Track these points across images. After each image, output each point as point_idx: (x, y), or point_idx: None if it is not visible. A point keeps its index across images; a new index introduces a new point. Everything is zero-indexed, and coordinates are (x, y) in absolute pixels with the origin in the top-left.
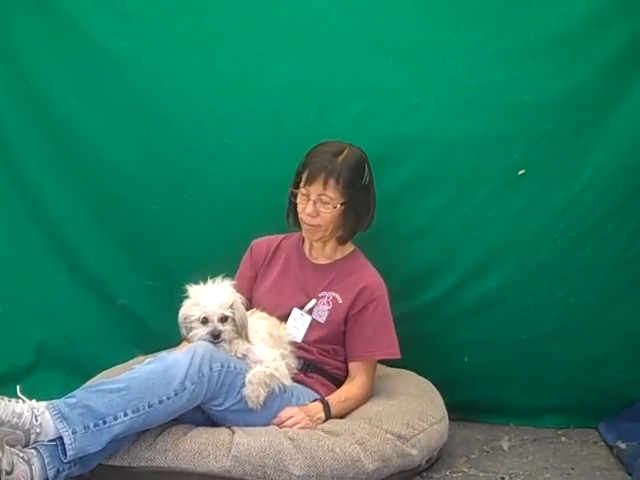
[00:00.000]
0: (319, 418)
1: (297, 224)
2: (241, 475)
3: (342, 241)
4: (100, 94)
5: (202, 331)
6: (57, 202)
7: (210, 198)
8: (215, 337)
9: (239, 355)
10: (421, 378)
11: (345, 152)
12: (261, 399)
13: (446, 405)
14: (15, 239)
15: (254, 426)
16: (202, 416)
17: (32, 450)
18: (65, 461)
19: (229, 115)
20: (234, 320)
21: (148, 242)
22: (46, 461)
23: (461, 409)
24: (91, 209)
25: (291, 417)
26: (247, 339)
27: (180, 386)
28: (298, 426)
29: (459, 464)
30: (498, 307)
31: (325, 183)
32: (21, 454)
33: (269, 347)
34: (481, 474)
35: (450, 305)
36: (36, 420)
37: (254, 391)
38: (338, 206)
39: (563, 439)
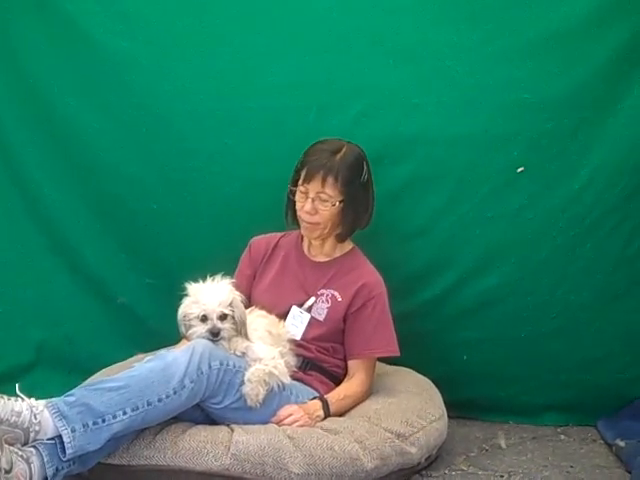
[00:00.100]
0: (318, 416)
1: (296, 222)
2: (240, 473)
3: (341, 239)
4: (100, 94)
5: (201, 329)
6: (57, 202)
7: (210, 198)
8: (214, 335)
9: (238, 353)
10: (420, 376)
11: (343, 150)
12: (260, 397)
13: (445, 403)
14: (15, 239)
15: (253, 424)
16: (201, 414)
17: (31, 448)
18: (64, 459)
19: (229, 115)
20: (233, 318)
21: (148, 242)
22: (45, 459)
23: (460, 407)
24: (91, 209)
25: (290, 415)
26: (246, 337)
27: (179, 384)
28: (297, 424)
29: (458, 462)
30: (498, 305)
31: (324, 181)
32: (20, 452)
33: (268, 345)
34: (480, 472)
35: (450, 303)
36: (35, 418)
37: (253, 389)
38: (337, 204)
39: (562, 437)
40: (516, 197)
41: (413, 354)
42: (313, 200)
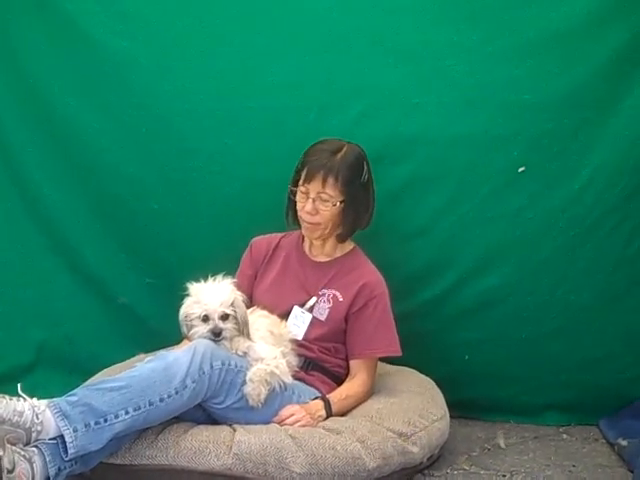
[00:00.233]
0: (320, 416)
1: (296, 222)
2: (242, 473)
3: (342, 239)
4: (100, 94)
5: (203, 329)
6: (57, 202)
7: (210, 198)
8: (216, 335)
9: (240, 353)
10: (422, 376)
11: (344, 150)
12: (262, 397)
13: (447, 403)
14: (15, 239)
15: (255, 424)
16: (203, 414)
17: (33, 448)
18: (66, 459)
19: (229, 115)
20: (235, 318)
21: (148, 242)
22: (47, 459)
23: (462, 407)
24: (91, 209)
25: (292, 415)
26: (248, 337)
27: (181, 384)
28: (299, 424)
29: (460, 462)
30: (498, 306)
31: (324, 181)
32: (22, 452)
33: (270, 345)
34: (482, 472)
35: (450, 304)
36: (37, 418)
37: (255, 389)
38: (337, 204)
39: (564, 436)
40: (516, 197)
41: (414, 354)
42: (314, 200)
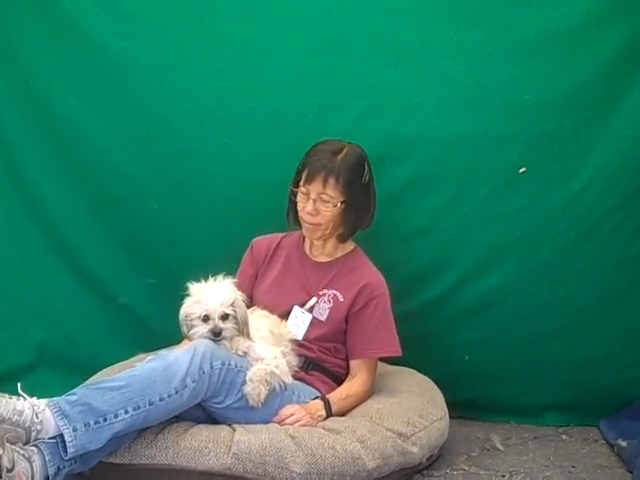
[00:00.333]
0: (320, 416)
1: (297, 223)
2: (242, 473)
3: (342, 239)
4: (100, 94)
5: (203, 329)
6: (57, 202)
7: (210, 198)
8: (216, 335)
9: (240, 353)
10: (422, 376)
11: (345, 150)
12: (262, 397)
13: (447, 403)
14: (15, 239)
15: (255, 424)
16: (203, 414)
17: (33, 447)
18: (66, 458)
19: (229, 115)
20: (235, 318)
21: (148, 242)
22: (47, 458)
23: (462, 407)
24: (91, 209)
25: (292, 415)
26: (248, 337)
27: (181, 384)
28: (299, 424)
29: (460, 462)
30: (498, 306)
31: (325, 182)
32: (22, 451)
33: (270, 345)
34: (482, 472)
35: (450, 304)
36: (37, 417)
37: (255, 389)
38: (338, 205)
39: (564, 437)
40: (516, 197)
41: (414, 354)
42: (314, 201)
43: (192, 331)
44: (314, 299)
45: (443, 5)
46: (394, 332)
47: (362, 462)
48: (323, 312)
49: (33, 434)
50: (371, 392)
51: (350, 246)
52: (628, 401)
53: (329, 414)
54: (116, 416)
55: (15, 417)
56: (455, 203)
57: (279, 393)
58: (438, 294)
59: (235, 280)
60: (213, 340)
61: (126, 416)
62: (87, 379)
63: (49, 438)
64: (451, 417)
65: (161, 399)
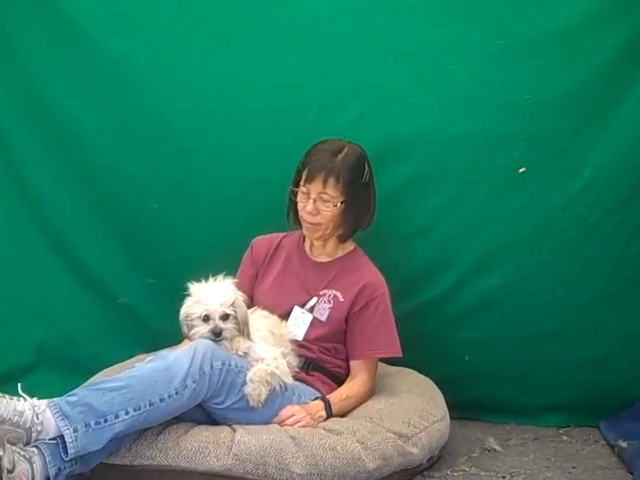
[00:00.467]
0: (320, 416)
1: (297, 222)
2: (242, 474)
3: (343, 239)
4: (100, 94)
5: (203, 329)
6: (57, 202)
7: (210, 198)
8: (216, 335)
9: (240, 353)
10: (422, 376)
11: (345, 150)
12: (262, 397)
13: (447, 404)
14: (15, 239)
15: (255, 424)
16: (203, 414)
17: (33, 448)
18: (66, 459)
19: (229, 115)
20: (235, 318)
21: (148, 242)
22: (47, 459)
23: (462, 408)
24: (91, 209)
25: (292, 415)
26: (248, 337)
27: (181, 384)
28: (299, 424)
29: (460, 463)
30: (498, 306)
31: (325, 182)
32: (22, 452)
33: (270, 345)
34: (482, 473)
35: (451, 304)
36: (37, 418)
37: (255, 389)
38: (338, 204)
39: (564, 438)
40: (517, 197)
41: (415, 354)
42: (315, 201)
43: (192, 331)
44: (314, 299)
45: (443, 5)
46: (394, 332)
47: (362, 463)
48: (323, 312)
49: (34, 435)
50: (371, 393)
51: (350, 246)
52: (629, 402)
53: (329, 415)
54: (116, 417)
55: (15, 418)
56: (455, 203)
57: (279, 394)
58: (438, 294)
59: (235, 280)
60: (213, 340)
61: (126, 417)
62: (87, 379)
63: (50, 439)
64: (451, 418)
65: (161, 400)
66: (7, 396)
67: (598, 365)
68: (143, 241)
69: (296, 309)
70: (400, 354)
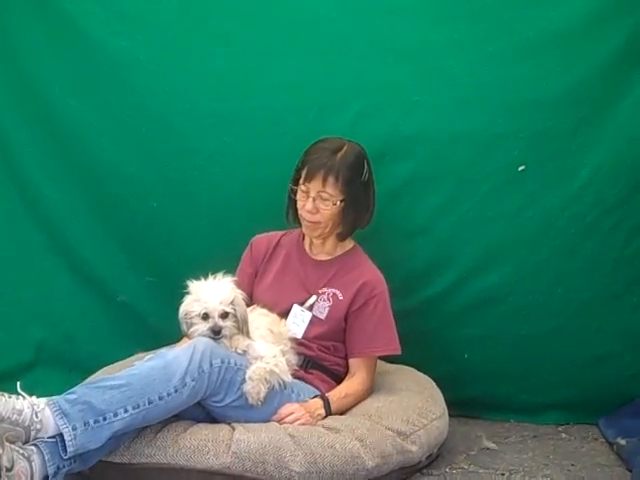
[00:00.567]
0: (319, 414)
1: (297, 221)
2: (241, 471)
3: (342, 237)
4: (100, 94)
5: (203, 327)
6: (57, 202)
7: (210, 197)
8: (216, 333)
9: (239, 351)
10: (421, 374)
11: (344, 149)
12: (261, 395)
13: (446, 401)
14: (15, 238)
15: (254, 422)
16: (202, 412)
17: (32, 447)
18: (65, 458)
19: (229, 114)
20: (235, 316)
21: (148, 242)
22: (46, 458)
23: (461, 405)
24: (91, 208)
25: (291, 413)
26: (247, 335)
27: (180, 382)
28: (298, 422)
29: (459, 460)
30: (498, 304)
31: (324, 180)
32: (21, 451)
33: (269, 343)
34: (481, 470)
35: (450, 302)
36: (36, 416)
37: (254, 387)
38: (338, 203)
39: (563, 435)
40: (516, 196)
41: (414, 352)
42: (314, 199)
43: (192, 329)
44: (314, 297)
45: (443, 5)
46: (394, 330)
47: (361, 461)
48: (323, 310)
49: (32, 433)
50: (370, 391)
51: (349, 244)
52: (628, 399)
53: (328, 413)
54: (116, 415)
55: (14, 416)
56: (455, 201)
57: (278, 392)
58: (438, 292)
59: (235, 278)
60: (213, 338)
61: (126, 415)
62: (87, 377)
63: (48, 437)
64: (451, 415)
65: (160, 398)
66: (6, 394)
67: (597, 363)
68: (143, 241)
69: (295, 307)
70: (399, 352)
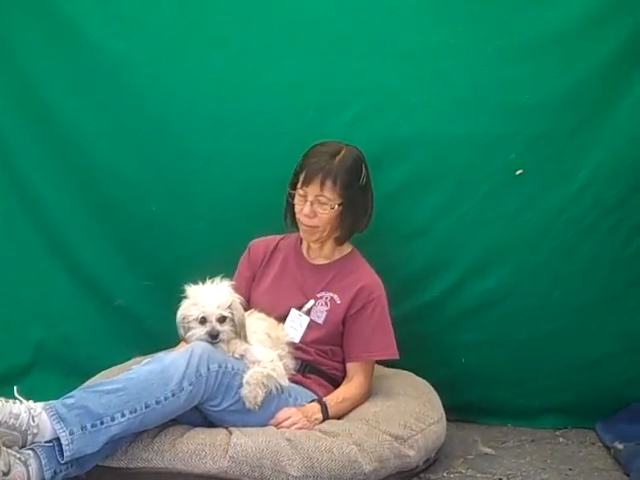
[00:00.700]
0: (316, 419)
1: (295, 225)
2: (238, 476)
3: (340, 242)
4: (98, 96)
5: (200, 331)
6: (55, 203)
7: (208, 199)
8: (213, 337)
9: (237, 355)
10: (419, 379)
11: (342, 153)
12: (259, 400)
13: (444, 406)
14: (14, 240)
15: (252, 427)
16: (200, 417)
17: (29, 451)
18: (62, 462)
19: (227, 116)
20: (232, 320)
21: (146, 243)
22: (43, 462)
23: (459, 410)
24: (89, 210)
25: (288, 418)
26: (245, 339)
27: (178, 387)
28: (295, 427)
29: (456, 465)
30: (496, 307)
31: (322, 184)
32: (18, 455)
33: (267, 348)
34: (478, 475)
35: (448, 305)
36: (33, 421)
37: (252, 392)
38: (336, 207)
39: (561, 440)
40: (515, 198)
41: (412, 357)
42: (312, 203)
43: (189, 333)
44: (311, 302)
45: (442, 6)
46: (391, 335)
47: (359, 465)
48: (320, 315)
49: (29, 438)
50: (368, 395)
51: (347, 248)
52: (625, 403)
53: (326, 417)
54: (113, 419)
55: (11, 420)
56: (453, 204)
57: (276, 396)
58: (436, 295)
59: (232, 282)
60: (210, 342)
61: (123, 419)
62: (84, 381)
63: (45, 442)
64: (448, 420)
65: (158, 402)
66: (3, 399)
67: (595, 366)
68: (141, 243)
69: (293, 311)
70: (397, 356)
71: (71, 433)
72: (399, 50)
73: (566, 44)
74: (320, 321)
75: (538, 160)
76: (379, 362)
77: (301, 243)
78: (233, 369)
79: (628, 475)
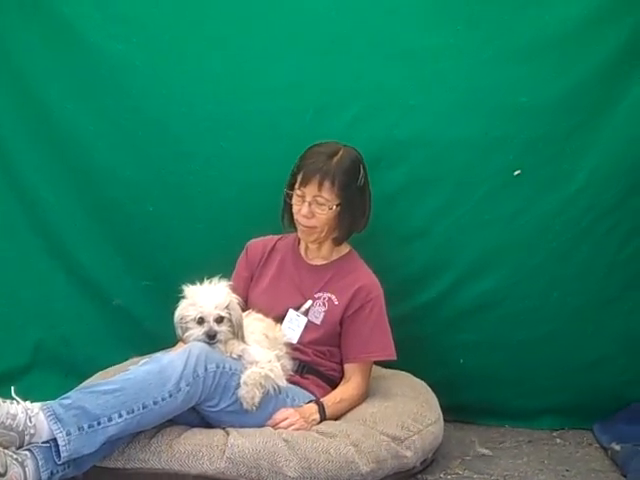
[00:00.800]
0: (314, 419)
1: (292, 225)
2: (235, 477)
3: (338, 242)
4: (96, 97)
5: (198, 331)
6: (54, 205)
7: (206, 201)
8: (211, 338)
9: (234, 356)
10: (417, 379)
11: (340, 153)
12: (256, 400)
13: (441, 407)
14: (13, 241)
15: (249, 427)
16: (197, 417)
17: (26, 452)
18: (59, 463)
19: (225, 118)
20: (230, 321)
21: (144, 245)
22: (40, 463)
23: (456, 411)
24: (87, 212)
25: (286, 418)
26: (243, 340)
27: (175, 387)
28: (293, 427)
29: (454, 466)
30: (494, 309)
31: (320, 185)
32: (15, 456)
33: (264, 348)
34: (476, 476)
35: (446, 306)
36: (30, 421)
37: (249, 392)
38: (334, 207)
39: (558, 441)
40: (512, 200)
41: (410, 357)
42: (310, 204)
43: (187, 334)
44: (309, 302)
45: (440, 8)
46: (389, 335)
47: (356, 466)
48: (318, 315)
49: (26, 438)
50: (365, 396)
51: (345, 249)
52: (622, 404)
53: (323, 418)
54: (110, 420)
55: (8, 421)
56: (451, 205)
57: (273, 397)
58: (434, 296)
59: (230, 283)
60: (208, 343)
61: (120, 420)
62: (82, 381)
63: (42, 442)
64: (446, 421)
65: (155, 402)
66: (0, 399)
67: (593, 367)
68: (139, 244)
69: (291, 312)
70: (395, 357)
71: (68, 434)
72: (398, 51)
73: (565, 46)
74: (318, 322)
75: (536, 162)
76: (377, 363)
77: (299, 243)
78: (231, 370)
79: (625, 476)
